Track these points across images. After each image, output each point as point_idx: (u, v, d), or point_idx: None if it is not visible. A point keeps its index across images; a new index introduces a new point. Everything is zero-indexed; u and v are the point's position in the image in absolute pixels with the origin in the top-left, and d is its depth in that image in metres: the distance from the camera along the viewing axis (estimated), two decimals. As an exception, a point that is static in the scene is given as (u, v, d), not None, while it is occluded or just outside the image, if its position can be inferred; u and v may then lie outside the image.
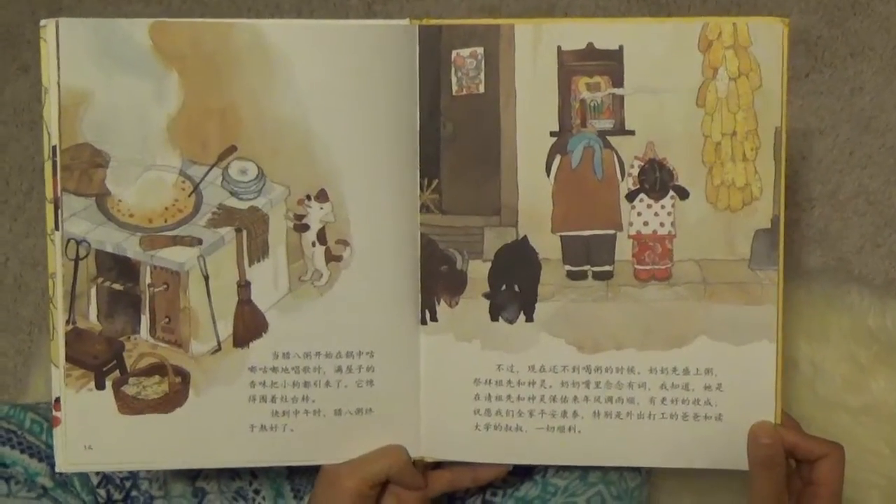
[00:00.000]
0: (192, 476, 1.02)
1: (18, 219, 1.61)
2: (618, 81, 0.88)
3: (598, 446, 0.92)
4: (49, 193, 0.87)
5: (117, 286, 0.89)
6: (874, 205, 1.40)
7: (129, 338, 0.89)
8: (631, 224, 0.90)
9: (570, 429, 0.92)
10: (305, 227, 0.89)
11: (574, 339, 0.91)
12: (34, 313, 1.59)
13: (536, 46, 0.88)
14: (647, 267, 0.90)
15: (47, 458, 0.98)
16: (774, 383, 0.89)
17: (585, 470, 0.99)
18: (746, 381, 0.90)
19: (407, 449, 0.92)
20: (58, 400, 0.88)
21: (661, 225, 0.89)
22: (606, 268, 0.90)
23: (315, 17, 1.57)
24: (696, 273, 0.90)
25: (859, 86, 1.46)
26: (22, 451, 0.98)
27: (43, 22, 0.86)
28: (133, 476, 1.02)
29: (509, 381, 0.91)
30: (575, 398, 0.91)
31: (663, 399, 0.91)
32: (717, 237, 0.89)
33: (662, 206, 0.89)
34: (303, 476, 1.04)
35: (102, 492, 1.01)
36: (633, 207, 0.90)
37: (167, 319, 0.89)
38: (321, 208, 0.88)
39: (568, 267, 0.90)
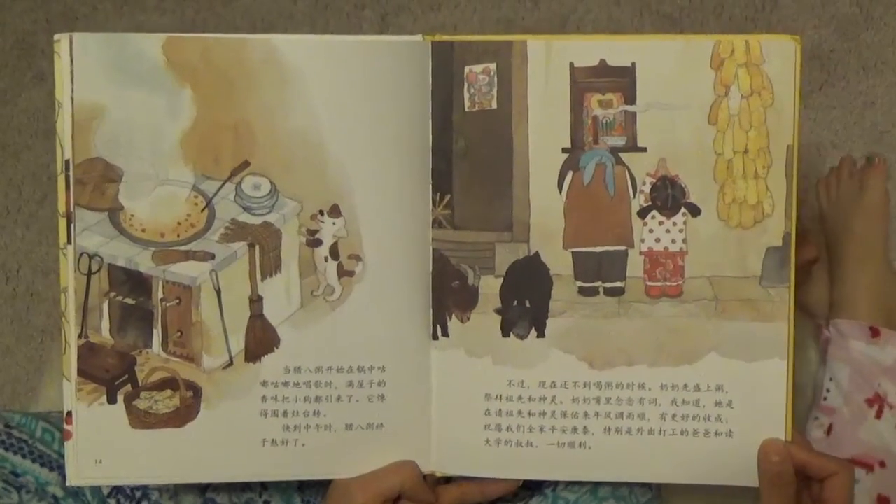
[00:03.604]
0: (203, 487, 1.03)
1: (31, 227, 1.61)
2: (630, 98, 0.88)
3: (608, 462, 0.92)
4: (62, 207, 0.87)
5: (129, 300, 0.89)
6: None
7: (140, 352, 0.89)
8: (642, 241, 0.90)
9: (580, 444, 0.92)
10: (318, 243, 0.89)
11: (585, 355, 0.91)
12: (46, 322, 1.60)
13: (549, 63, 0.88)
14: (659, 283, 0.90)
15: (59, 467, 0.99)
16: (785, 400, 0.89)
17: (596, 484, 0.99)
18: (757, 398, 0.90)
19: (418, 464, 0.92)
20: (69, 414, 0.89)
21: (673, 242, 0.89)
22: (618, 284, 0.90)
23: (329, 28, 1.58)
24: (707, 290, 0.90)
25: (872, 100, 1.46)
26: (33, 461, 0.98)
27: (57, 37, 0.86)
28: (144, 487, 1.03)
29: (520, 397, 0.91)
30: (586, 414, 0.91)
31: (674, 415, 0.91)
32: (729, 254, 0.89)
33: (674, 223, 0.89)
34: (313, 488, 1.04)
35: (113, 501, 1.01)
36: (645, 224, 0.90)
37: (179, 334, 0.89)
38: (334, 223, 0.89)
39: (579, 283, 0.90)
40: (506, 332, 0.91)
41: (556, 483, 1.00)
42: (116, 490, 1.01)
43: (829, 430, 1.19)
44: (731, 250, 0.89)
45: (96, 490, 1.00)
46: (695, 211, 0.89)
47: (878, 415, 1.18)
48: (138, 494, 1.02)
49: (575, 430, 0.91)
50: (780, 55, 0.87)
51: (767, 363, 0.89)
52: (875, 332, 1.21)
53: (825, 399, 1.22)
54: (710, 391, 0.90)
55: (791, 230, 0.88)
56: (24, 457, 0.98)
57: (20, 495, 0.96)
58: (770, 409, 0.89)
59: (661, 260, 0.90)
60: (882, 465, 1.15)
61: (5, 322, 1.59)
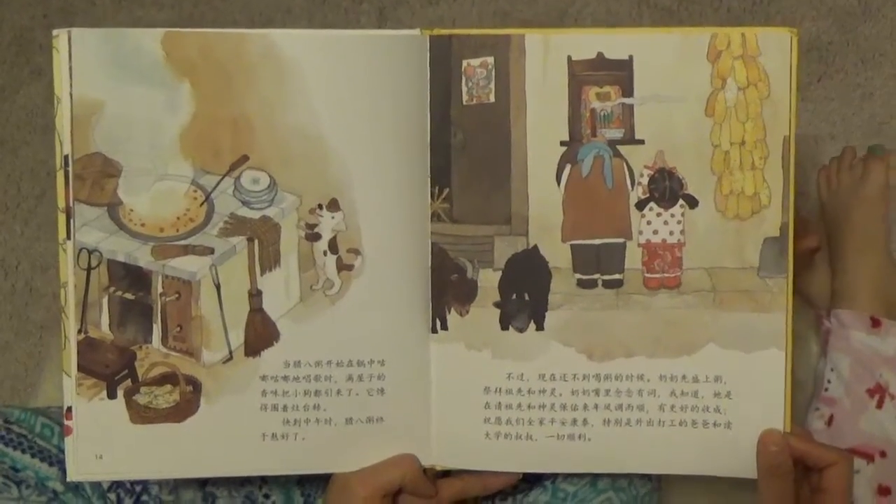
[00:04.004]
0: (202, 481, 1.03)
1: (30, 223, 1.61)
2: (628, 91, 0.88)
3: (608, 454, 0.92)
4: (61, 203, 0.87)
5: (129, 295, 0.89)
6: (885, 210, 1.40)
7: (140, 347, 0.89)
8: (640, 233, 0.90)
9: (580, 437, 0.92)
10: (317, 237, 0.89)
11: (584, 348, 0.91)
12: (45, 317, 1.60)
13: (546, 56, 0.88)
14: (657, 275, 0.90)
15: (58, 462, 0.99)
16: (784, 391, 0.89)
17: (595, 476, 0.99)
18: (756, 388, 0.90)
19: (418, 457, 0.92)
20: (70, 409, 0.89)
21: (671, 233, 0.89)
22: (616, 276, 0.90)
23: (327, 22, 1.58)
24: (705, 281, 0.90)
25: (870, 91, 1.46)
26: (33, 456, 0.98)
27: (55, 32, 0.86)
28: (144, 481, 1.03)
29: (519, 390, 0.91)
30: (585, 406, 0.91)
31: (673, 406, 0.91)
32: (727, 245, 0.89)
33: (672, 215, 0.89)
34: (313, 482, 1.04)
35: (113, 496, 1.01)
36: (643, 216, 0.90)
37: (179, 328, 0.89)
38: (333, 217, 0.89)
39: (578, 275, 0.90)
40: (505, 325, 0.91)
41: (555, 475, 1.00)
42: (116, 484, 1.01)
43: (830, 421, 1.20)
44: (728, 241, 0.89)
45: (96, 484, 1.00)
46: (692, 202, 0.89)
47: (880, 405, 1.18)
48: (138, 489, 1.03)
49: (574, 422, 0.91)
50: (776, 47, 0.87)
51: (766, 353, 0.89)
52: (876, 323, 1.21)
53: (826, 390, 1.22)
54: (708, 382, 0.90)
55: (788, 221, 0.88)
56: (23, 452, 0.98)
57: (20, 490, 0.96)
58: (769, 399, 0.90)
59: (660, 252, 0.90)
60: (883, 455, 1.16)
61: (4, 318, 1.59)
